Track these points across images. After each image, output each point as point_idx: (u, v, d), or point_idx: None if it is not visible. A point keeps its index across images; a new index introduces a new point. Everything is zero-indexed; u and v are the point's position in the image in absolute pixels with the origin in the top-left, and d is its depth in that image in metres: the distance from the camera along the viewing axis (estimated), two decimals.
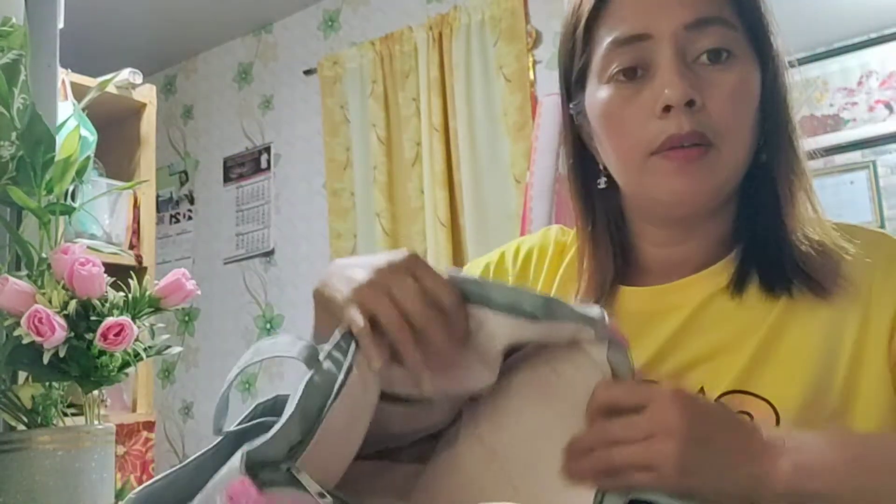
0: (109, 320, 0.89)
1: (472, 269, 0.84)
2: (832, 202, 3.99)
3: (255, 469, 0.45)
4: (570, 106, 0.73)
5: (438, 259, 2.64)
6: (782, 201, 0.66)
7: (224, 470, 0.46)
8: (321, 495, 0.45)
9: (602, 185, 0.73)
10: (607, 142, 0.69)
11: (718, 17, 0.64)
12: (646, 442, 0.52)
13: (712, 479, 0.52)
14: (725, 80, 0.64)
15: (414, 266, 0.54)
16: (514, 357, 0.61)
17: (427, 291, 0.52)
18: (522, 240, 0.85)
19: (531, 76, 2.62)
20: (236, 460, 0.45)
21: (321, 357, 0.51)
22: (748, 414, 0.62)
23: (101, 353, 0.90)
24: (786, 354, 0.64)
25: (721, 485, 0.52)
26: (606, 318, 0.55)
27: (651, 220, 0.72)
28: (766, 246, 0.66)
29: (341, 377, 0.49)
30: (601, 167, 0.73)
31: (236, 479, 0.45)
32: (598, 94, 0.68)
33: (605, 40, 0.67)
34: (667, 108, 0.63)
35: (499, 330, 0.54)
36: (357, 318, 0.51)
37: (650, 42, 0.64)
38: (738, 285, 0.67)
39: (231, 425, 0.52)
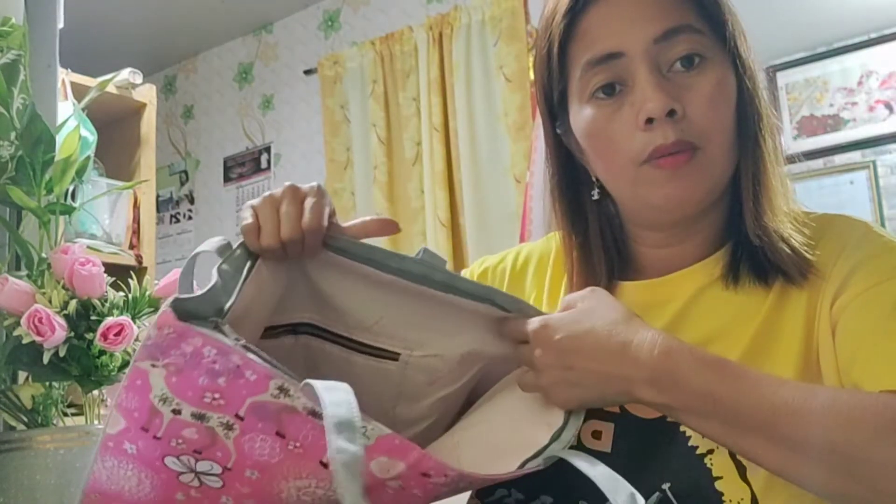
0: (109, 320, 0.89)
1: (474, 268, 0.86)
2: (832, 202, 3.98)
3: (182, 317, 0.54)
4: (556, 125, 0.75)
5: None
6: (759, 197, 0.68)
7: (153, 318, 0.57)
8: (236, 339, 0.54)
9: (595, 197, 0.74)
10: (596, 158, 0.71)
11: (686, 24, 0.65)
12: (537, 372, 0.63)
13: (589, 396, 0.61)
14: (702, 83, 0.65)
15: (306, 194, 0.64)
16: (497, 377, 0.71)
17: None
18: (525, 245, 0.87)
19: (531, 76, 2.62)
20: (165, 303, 0.55)
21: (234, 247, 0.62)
22: None
23: (101, 352, 0.90)
24: (782, 343, 0.65)
25: (601, 397, 0.61)
26: None
27: (645, 225, 0.74)
28: (750, 239, 0.68)
29: (250, 262, 0.61)
30: (594, 178, 0.74)
31: (164, 311, 0.54)
32: (581, 114, 0.69)
33: (580, 61, 0.68)
34: (649, 121, 0.64)
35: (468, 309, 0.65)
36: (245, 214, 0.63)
37: (624, 59, 0.66)
38: (730, 275, 0.69)
39: None
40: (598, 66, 0.67)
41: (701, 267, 0.71)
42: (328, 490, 0.56)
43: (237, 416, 0.55)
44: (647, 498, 0.63)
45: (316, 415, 0.54)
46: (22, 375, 0.97)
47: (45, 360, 0.86)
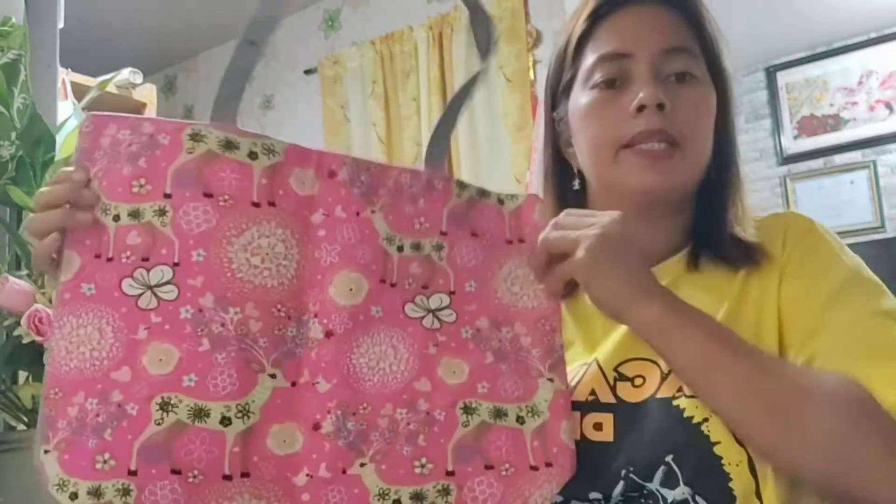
0: None
1: None
2: (832, 202, 3.98)
3: None
4: (554, 113, 0.85)
5: None
6: (724, 202, 0.79)
7: None
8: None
9: (576, 187, 0.84)
10: (584, 138, 0.79)
11: (687, 47, 0.77)
12: (580, 231, 0.65)
13: (607, 282, 0.65)
14: (689, 94, 0.76)
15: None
16: None
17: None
18: None
19: (531, 76, 2.62)
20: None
21: None
22: None
23: None
24: (751, 318, 0.72)
25: (609, 289, 0.65)
26: None
27: None
28: (712, 236, 0.78)
29: None
30: (576, 171, 0.83)
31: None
32: (581, 97, 0.79)
33: (592, 56, 0.79)
34: (640, 109, 0.74)
35: None
36: None
37: (630, 60, 0.76)
38: (693, 264, 0.78)
39: None
40: (606, 62, 0.77)
41: (668, 264, 0.79)
42: (272, 236, 0.58)
43: (165, 195, 0.56)
44: (653, 473, 0.66)
45: (231, 146, 0.56)
46: (22, 375, 0.97)
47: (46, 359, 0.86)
